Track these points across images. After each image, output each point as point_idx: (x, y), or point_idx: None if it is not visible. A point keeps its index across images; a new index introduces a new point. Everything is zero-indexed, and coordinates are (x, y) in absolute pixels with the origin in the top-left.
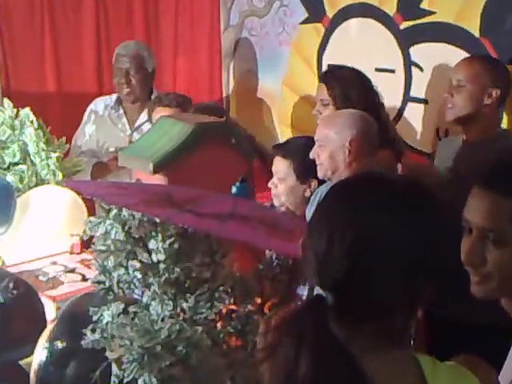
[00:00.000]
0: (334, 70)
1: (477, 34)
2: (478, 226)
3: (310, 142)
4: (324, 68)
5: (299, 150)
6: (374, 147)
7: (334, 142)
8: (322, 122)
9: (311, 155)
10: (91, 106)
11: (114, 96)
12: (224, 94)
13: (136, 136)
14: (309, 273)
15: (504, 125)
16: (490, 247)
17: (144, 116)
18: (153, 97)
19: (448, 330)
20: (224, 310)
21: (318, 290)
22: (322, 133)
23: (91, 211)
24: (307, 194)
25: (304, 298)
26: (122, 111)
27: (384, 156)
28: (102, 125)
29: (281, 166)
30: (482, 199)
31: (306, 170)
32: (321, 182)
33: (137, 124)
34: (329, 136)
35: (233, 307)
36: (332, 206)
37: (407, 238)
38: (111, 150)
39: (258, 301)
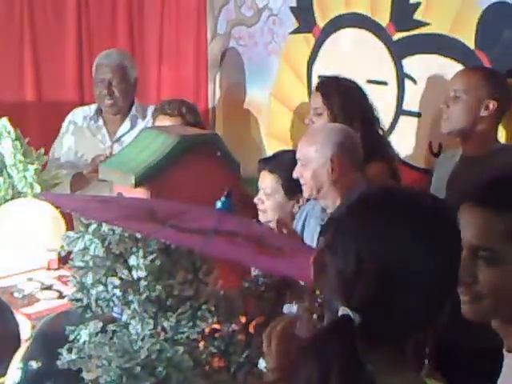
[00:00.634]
0: (332, 79)
1: (472, 46)
2: (468, 243)
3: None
4: (314, 79)
5: (287, 165)
6: (359, 161)
7: (315, 161)
8: (302, 139)
9: (294, 175)
10: (69, 117)
11: (94, 106)
12: (210, 106)
13: (116, 148)
14: (330, 292)
15: (503, 139)
16: (482, 266)
17: (125, 127)
18: (133, 108)
19: (461, 355)
20: (207, 330)
21: (343, 311)
22: (302, 151)
23: (70, 226)
24: (295, 209)
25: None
26: (101, 122)
27: (377, 170)
28: (81, 136)
29: (268, 182)
30: (473, 216)
31: (294, 186)
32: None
33: (117, 135)
34: (310, 154)
35: (216, 326)
36: (357, 223)
37: (435, 255)
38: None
39: (243, 320)
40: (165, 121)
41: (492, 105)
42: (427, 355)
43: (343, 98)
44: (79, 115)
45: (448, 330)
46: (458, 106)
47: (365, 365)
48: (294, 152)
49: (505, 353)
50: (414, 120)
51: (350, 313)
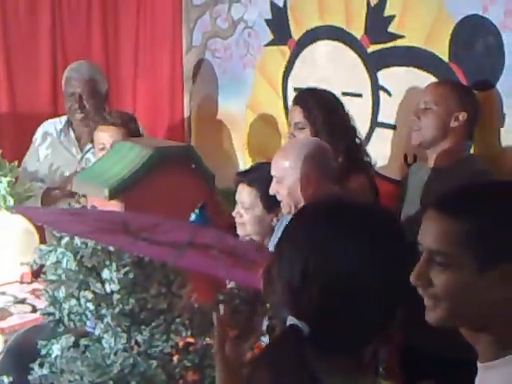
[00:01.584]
0: (311, 92)
1: (446, 58)
2: (426, 247)
3: None
4: (290, 91)
5: (265, 178)
6: (333, 174)
7: (289, 177)
8: (275, 156)
9: (271, 192)
10: (43, 129)
11: (64, 118)
12: (186, 117)
13: (87, 160)
14: (278, 303)
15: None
16: (436, 270)
17: None
18: None
19: (422, 361)
20: (181, 343)
21: (291, 320)
22: (276, 168)
23: (45, 238)
24: (274, 223)
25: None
26: (72, 135)
27: (358, 183)
28: (56, 149)
29: (246, 195)
30: (432, 221)
31: (273, 199)
32: None
33: (87, 147)
34: (283, 171)
35: (190, 340)
36: (303, 234)
37: (382, 266)
38: (64, 174)
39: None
40: (107, 132)
41: (462, 116)
42: (383, 363)
43: (326, 112)
44: (51, 128)
45: (416, 339)
46: (429, 117)
47: (318, 376)
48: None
49: (478, 364)
50: (389, 132)
51: (298, 323)
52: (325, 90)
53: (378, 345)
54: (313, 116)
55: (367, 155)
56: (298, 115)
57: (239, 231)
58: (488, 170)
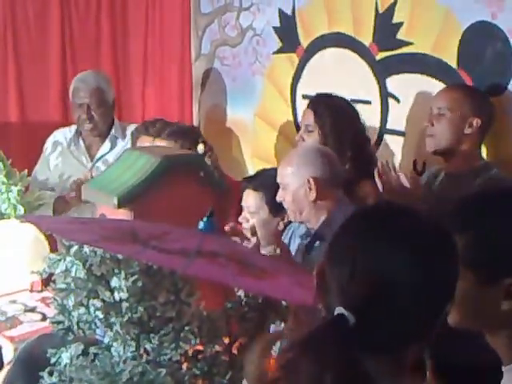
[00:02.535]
0: (325, 97)
1: (454, 65)
2: None
3: None
4: (298, 99)
5: (271, 182)
6: (338, 180)
7: (293, 184)
8: (280, 163)
9: (278, 199)
10: (52, 138)
11: (74, 127)
12: (195, 126)
13: (97, 169)
14: (330, 300)
15: (485, 155)
16: None
17: (105, 148)
18: (113, 128)
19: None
20: (190, 351)
21: (338, 310)
22: (281, 175)
23: (56, 247)
24: (280, 227)
25: None
26: (82, 144)
27: (365, 189)
28: (66, 158)
29: (252, 200)
30: None
31: (278, 203)
32: None
33: (97, 156)
34: (287, 177)
35: (199, 348)
36: (352, 236)
37: (428, 276)
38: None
39: (226, 341)
40: (146, 142)
41: (476, 122)
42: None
43: (334, 117)
44: (61, 137)
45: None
46: (443, 123)
47: (363, 368)
48: (276, 169)
49: (503, 369)
50: (398, 139)
51: (345, 312)
52: (341, 98)
53: (423, 348)
54: (322, 120)
55: (375, 164)
56: (308, 118)
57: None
58: (504, 177)
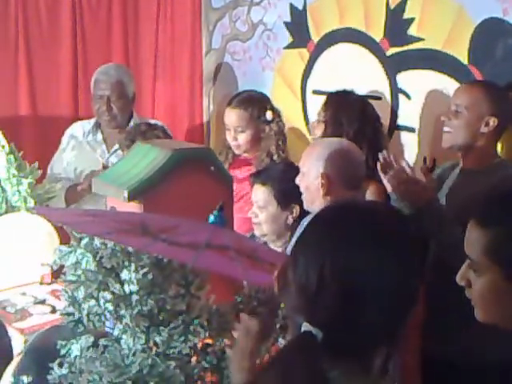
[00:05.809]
0: (340, 93)
1: (465, 61)
2: (467, 254)
3: (288, 168)
4: (308, 94)
5: (279, 176)
6: (354, 181)
7: (308, 174)
8: (305, 151)
9: (296, 181)
10: (69, 131)
11: (93, 120)
12: (205, 120)
13: (112, 161)
14: (292, 307)
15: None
16: (473, 274)
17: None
18: (132, 121)
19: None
20: (199, 344)
21: (305, 327)
22: (302, 162)
23: (66, 240)
24: (289, 221)
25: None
26: (100, 136)
27: (374, 190)
28: (81, 151)
29: (260, 194)
30: (468, 231)
31: (287, 196)
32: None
33: (114, 149)
34: (305, 167)
35: (208, 341)
36: (318, 237)
37: (396, 267)
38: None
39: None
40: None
41: (492, 121)
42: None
43: (340, 114)
44: (79, 130)
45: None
46: (459, 121)
47: (329, 378)
48: (283, 164)
49: None
50: (409, 135)
51: (313, 329)
52: (357, 96)
53: (389, 348)
54: (328, 114)
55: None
56: (320, 110)
57: (256, 231)
58: None
